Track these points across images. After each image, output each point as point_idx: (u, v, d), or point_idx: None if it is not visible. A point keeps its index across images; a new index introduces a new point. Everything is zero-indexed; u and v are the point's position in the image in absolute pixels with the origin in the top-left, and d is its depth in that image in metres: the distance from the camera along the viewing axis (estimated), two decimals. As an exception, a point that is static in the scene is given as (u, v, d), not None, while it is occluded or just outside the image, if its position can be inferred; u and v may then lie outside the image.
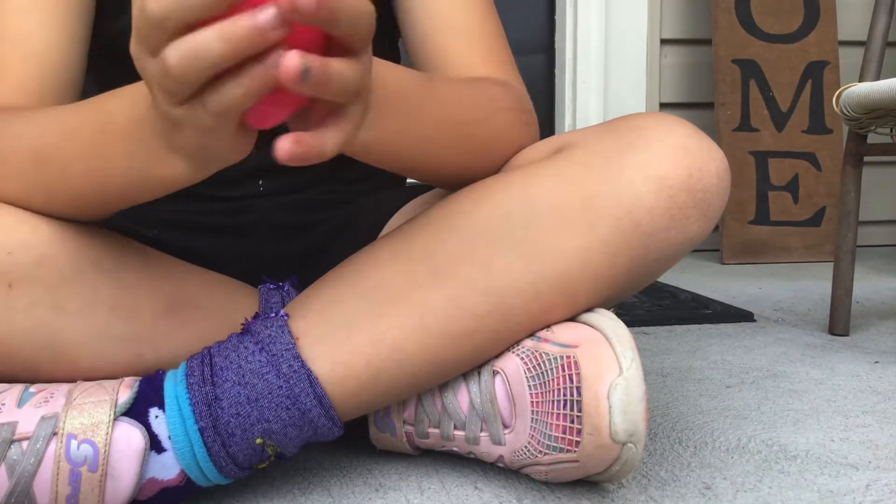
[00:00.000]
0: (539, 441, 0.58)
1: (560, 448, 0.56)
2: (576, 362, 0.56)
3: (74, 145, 0.52)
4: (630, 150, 0.58)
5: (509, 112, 0.65)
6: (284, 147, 0.39)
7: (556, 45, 2.05)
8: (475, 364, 0.60)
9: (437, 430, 0.62)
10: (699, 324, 1.24)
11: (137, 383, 0.56)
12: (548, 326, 0.60)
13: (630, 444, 0.54)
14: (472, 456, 0.63)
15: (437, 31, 0.69)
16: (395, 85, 0.55)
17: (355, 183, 0.78)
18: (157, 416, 0.54)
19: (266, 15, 0.37)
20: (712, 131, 1.93)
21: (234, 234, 0.73)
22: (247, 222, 0.73)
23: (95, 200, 0.54)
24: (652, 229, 0.58)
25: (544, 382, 0.57)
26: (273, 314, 0.58)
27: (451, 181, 0.65)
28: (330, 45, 0.41)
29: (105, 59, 0.69)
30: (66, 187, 0.54)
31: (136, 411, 0.54)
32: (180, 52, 0.39)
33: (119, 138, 0.50)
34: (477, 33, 0.69)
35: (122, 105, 0.50)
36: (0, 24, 0.62)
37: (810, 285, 1.57)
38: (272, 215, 0.73)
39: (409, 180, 0.87)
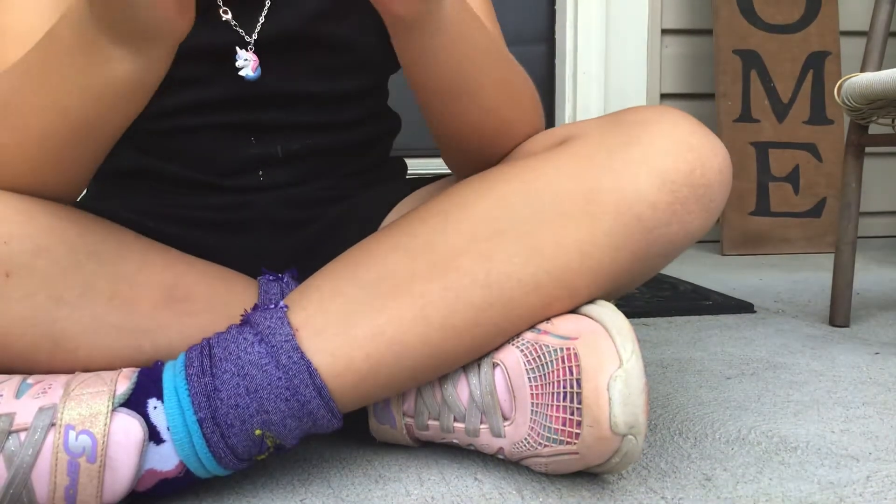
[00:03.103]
0: (539, 433, 0.58)
1: (560, 440, 0.56)
2: (576, 354, 0.56)
3: (29, 80, 0.54)
4: (633, 145, 0.58)
5: (532, 98, 0.66)
6: None
7: (557, 35, 2.04)
8: (475, 356, 0.60)
9: (436, 423, 0.62)
10: (699, 315, 1.24)
11: (136, 374, 0.56)
12: (548, 318, 0.60)
13: (630, 436, 0.54)
14: (473, 448, 0.63)
15: None
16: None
17: (355, 177, 0.78)
18: (155, 407, 0.54)
19: None
20: (713, 122, 1.92)
21: (234, 229, 0.72)
22: (247, 218, 0.72)
23: (62, 134, 0.54)
24: (654, 224, 0.57)
25: (544, 374, 0.57)
26: (272, 305, 0.58)
27: (461, 149, 0.66)
28: None
29: None
30: (28, 126, 0.54)
31: (135, 402, 0.54)
32: None
33: (64, 52, 0.52)
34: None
35: (62, 21, 0.52)
36: (3, 22, 0.61)
37: (811, 276, 1.57)
38: (272, 211, 0.73)
39: (408, 174, 0.87)
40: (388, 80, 0.81)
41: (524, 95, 0.65)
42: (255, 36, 0.68)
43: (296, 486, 0.61)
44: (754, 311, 1.26)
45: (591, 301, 0.60)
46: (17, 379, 0.55)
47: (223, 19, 0.67)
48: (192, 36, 0.68)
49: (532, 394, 0.58)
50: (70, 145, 0.55)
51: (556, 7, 2.04)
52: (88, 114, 0.53)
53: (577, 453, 0.56)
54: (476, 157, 0.66)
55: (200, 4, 0.68)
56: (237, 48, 0.67)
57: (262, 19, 0.68)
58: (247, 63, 0.66)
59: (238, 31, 0.68)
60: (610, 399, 0.54)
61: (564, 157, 0.60)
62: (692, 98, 2.04)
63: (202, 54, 0.67)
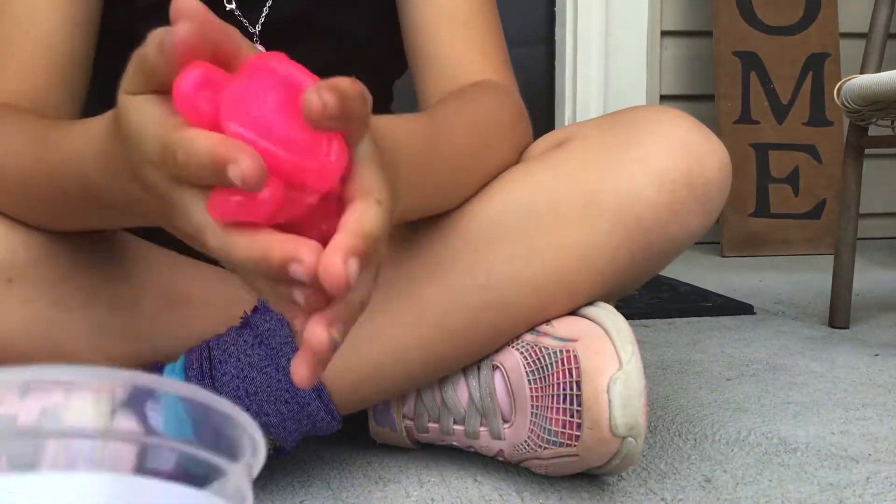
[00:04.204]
0: (539, 435, 0.58)
1: (560, 442, 0.56)
2: (575, 356, 0.56)
3: (39, 151, 0.50)
4: (631, 145, 0.58)
5: (512, 130, 0.63)
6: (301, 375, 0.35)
7: (556, 37, 2.04)
8: (474, 358, 0.60)
9: (436, 425, 0.62)
10: (699, 316, 1.23)
11: (136, 377, 0.56)
12: (547, 320, 0.60)
13: (630, 438, 0.54)
14: (473, 450, 0.63)
15: (432, 17, 0.66)
16: (405, 163, 0.49)
17: None
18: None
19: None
20: (713, 124, 1.92)
21: None
22: None
23: (55, 205, 0.52)
24: (653, 224, 0.57)
25: (544, 377, 0.57)
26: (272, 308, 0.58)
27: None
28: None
29: (105, 50, 0.68)
30: (27, 192, 0.52)
31: (135, 404, 0.54)
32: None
33: (90, 157, 0.46)
34: (473, 25, 0.68)
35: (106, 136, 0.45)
36: (10, 4, 0.61)
37: (810, 278, 1.57)
38: None
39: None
40: (393, 84, 0.80)
41: (495, 140, 0.62)
42: (258, 27, 0.67)
43: (295, 487, 0.61)
44: (754, 313, 1.26)
45: (590, 303, 0.60)
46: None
47: (227, 9, 0.66)
48: None
49: (532, 396, 0.58)
50: (61, 214, 0.53)
51: (555, 9, 2.04)
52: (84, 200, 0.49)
53: (577, 455, 0.56)
54: None
55: None
56: None
57: (266, 10, 0.68)
58: None
59: (242, 22, 0.67)
60: (610, 401, 0.54)
61: (561, 159, 0.60)
62: (692, 100, 2.04)
63: None
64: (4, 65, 0.60)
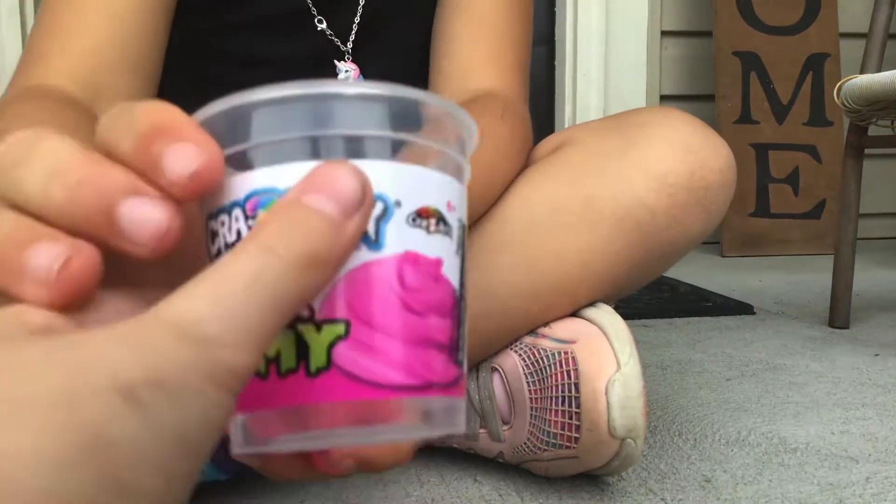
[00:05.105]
0: (538, 437, 0.58)
1: (559, 444, 0.56)
2: (573, 358, 0.56)
3: None
4: (630, 149, 0.57)
5: (520, 156, 0.63)
6: None
7: (557, 37, 2.04)
8: (474, 362, 0.60)
9: (435, 425, 0.62)
10: (699, 316, 1.24)
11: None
12: (546, 322, 0.60)
13: (629, 440, 0.54)
14: (473, 452, 0.63)
15: (460, 19, 0.66)
16: None
17: None
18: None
19: None
20: (713, 123, 1.92)
21: None
22: None
23: None
24: (653, 229, 0.57)
25: (542, 379, 0.57)
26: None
27: None
28: None
29: (189, 57, 0.65)
30: None
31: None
32: None
33: None
34: (499, 32, 0.66)
35: None
36: None
37: (810, 278, 1.57)
38: None
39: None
40: None
41: (507, 173, 0.61)
42: (350, 45, 0.66)
43: (295, 487, 0.61)
44: (754, 313, 1.26)
45: (589, 303, 0.60)
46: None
47: (318, 29, 0.65)
48: (286, 48, 0.65)
49: (531, 398, 0.58)
50: None
51: (556, 9, 2.04)
52: None
53: (576, 457, 0.56)
54: None
55: (295, 17, 0.65)
56: (335, 61, 0.65)
57: (355, 27, 0.66)
58: (348, 74, 0.65)
59: (333, 41, 0.66)
60: (608, 403, 0.54)
61: (560, 165, 0.59)
62: (692, 100, 2.04)
63: (296, 67, 0.65)
64: (72, 40, 0.55)
